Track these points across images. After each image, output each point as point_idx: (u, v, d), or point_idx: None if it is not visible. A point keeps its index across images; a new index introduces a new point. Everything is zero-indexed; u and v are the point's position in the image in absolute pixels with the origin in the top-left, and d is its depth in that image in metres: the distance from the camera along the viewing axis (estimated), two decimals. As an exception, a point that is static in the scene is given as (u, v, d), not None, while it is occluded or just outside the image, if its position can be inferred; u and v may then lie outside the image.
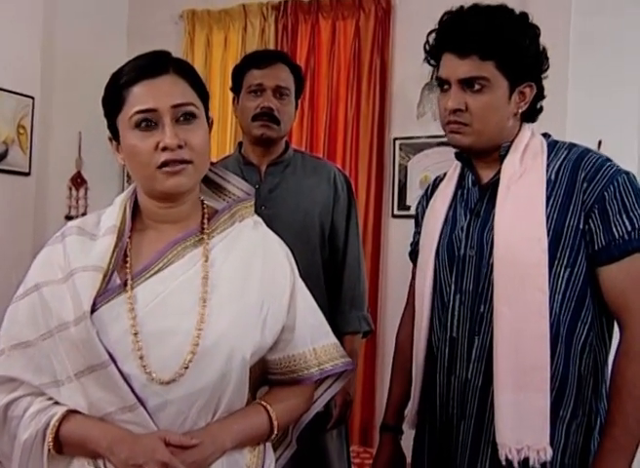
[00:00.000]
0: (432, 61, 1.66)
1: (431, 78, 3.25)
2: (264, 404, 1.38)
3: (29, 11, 3.39)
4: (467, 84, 1.55)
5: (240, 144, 2.41)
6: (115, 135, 1.37)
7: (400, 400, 1.83)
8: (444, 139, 3.22)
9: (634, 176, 1.53)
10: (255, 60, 2.30)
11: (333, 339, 1.49)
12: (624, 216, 1.48)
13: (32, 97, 3.42)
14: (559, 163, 1.56)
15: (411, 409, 1.75)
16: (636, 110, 3.04)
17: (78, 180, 3.75)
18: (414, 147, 3.50)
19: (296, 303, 1.42)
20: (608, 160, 1.54)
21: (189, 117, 1.32)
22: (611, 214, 1.49)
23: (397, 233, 3.54)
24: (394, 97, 3.56)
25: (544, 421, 1.46)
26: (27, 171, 3.42)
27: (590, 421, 1.53)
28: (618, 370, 1.49)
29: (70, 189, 3.73)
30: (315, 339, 1.44)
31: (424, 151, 3.49)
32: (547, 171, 1.55)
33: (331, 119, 3.60)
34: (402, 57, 3.53)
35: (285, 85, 2.26)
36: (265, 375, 1.45)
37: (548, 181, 1.54)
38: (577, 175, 1.52)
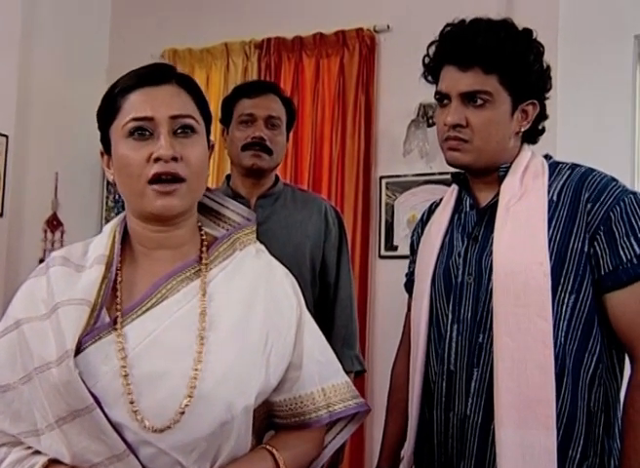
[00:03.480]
0: (430, 78, 1.60)
1: (417, 114, 3.30)
2: (271, 449, 1.25)
3: (5, 45, 3.30)
4: (469, 98, 1.48)
5: (228, 177, 2.34)
6: (107, 147, 1.26)
7: (395, 440, 1.73)
8: (431, 178, 3.29)
9: None
10: (246, 90, 2.27)
11: (343, 378, 1.37)
12: (632, 239, 1.41)
13: (6, 136, 3.30)
14: (561, 183, 1.49)
15: (407, 450, 1.64)
16: (629, 133, 3.03)
17: (54, 223, 3.62)
18: (400, 186, 3.44)
19: (302, 338, 1.31)
20: (613, 179, 1.47)
21: (188, 130, 1.22)
22: (617, 236, 1.41)
23: (384, 274, 3.45)
24: (380, 135, 3.50)
25: (551, 462, 1.36)
26: (0, 211, 3.29)
27: (603, 463, 1.42)
28: (630, 404, 1.40)
29: (45, 232, 3.59)
30: (324, 378, 1.32)
31: (411, 190, 3.42)
32: (549, 191, 1.48)
33: (315, 157, 3.53)
34: (387, 94, 3.48)
35: (276, 115, 2.22)
36: (271, 418, 1.32)
37: (550, 202, 1.46)
38: (580, 195, 1.45)
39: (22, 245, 3.45)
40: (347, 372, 2.18)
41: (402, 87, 3.39)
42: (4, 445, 1.21)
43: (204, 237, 1.32)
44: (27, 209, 3.49)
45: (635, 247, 1.40)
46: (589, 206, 1.44)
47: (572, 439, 1.41)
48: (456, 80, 1.49)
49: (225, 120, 2.28)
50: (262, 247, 1.40)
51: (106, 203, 3.85)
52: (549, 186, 1.49)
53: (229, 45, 3.70)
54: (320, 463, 1.40)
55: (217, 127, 2.36)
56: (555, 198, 1.48)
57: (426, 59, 1.58)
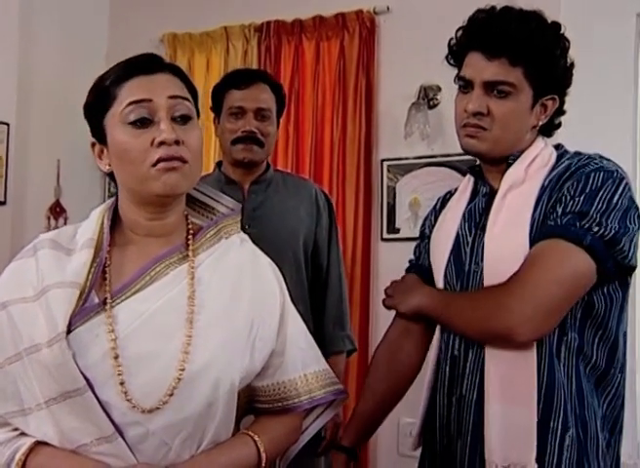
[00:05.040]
0: (452, 61, 1.60)
1: (418, 97, 3.28)
2: (252, 434, 1.29)
3: (4, 34, 3.30)
4: (492, 87, 1.48)
5: (219, 164, 2.35)
6: (100, 138, 1.27)
7: (362, 420, 1.72)
8: (432, 160, 3.27)
9: (622, 183, 1.43)
10: (234, 81, 2.27)
11: (324, 365, 1.41)
12: (570, 205, 1.41)
13: (7, 124, 3.31)
14: (557, 170, 1.49)
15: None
16: (630, 122, 2.99)
17: (57, 210, 3.63)
18: (402, 168, 3.41)
19: (286, 326, 1.34)
20: (600, 158, 1.47)
21: (185, 118, 1.25)
22: (563, 201, 1.42)
23: (386, 257, 3.43)
24: (381, 118, 3.48)
25: (530, 436, 1.39)
26: (3, 199, 3.31)
27: (579, 432, 1.43)
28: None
29: (49, 219, 3.61)
30: (306, 365, 1.35)
31: (413, 172, 3.39)
32: (544, 179, 1.49)
33: (316, 141, 3.51)
34: (388, 76, 3.45)
35: (266, 106, 2.22)
36: (251, 404, 1.35)
37: (541, 188, 1.47)
38: (563, 175, 1.46)
39: (26, 232, 3.44)
40: (339, 352, 2.29)
41: (403, 69, 3.36)
42: None
43: (190, 226, 1.34)
44: (30, 196, 3.50)
45: (564, 210, 1.40)
46: (562, 182, 1.45)
47: (552, 410, 1.42)
48: (481, 68, 1.49)
49: (216, 109, 2.28)
50: (246, 237, 1.42)
51: (109, 189, 3.85)
52: (547, 174, 1.50)
53: (229, 29, 3.68)
54: (298, 447, 1.44)
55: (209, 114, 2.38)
56: (546, 184, 1.48)
57: (452, 42, 1.58)
